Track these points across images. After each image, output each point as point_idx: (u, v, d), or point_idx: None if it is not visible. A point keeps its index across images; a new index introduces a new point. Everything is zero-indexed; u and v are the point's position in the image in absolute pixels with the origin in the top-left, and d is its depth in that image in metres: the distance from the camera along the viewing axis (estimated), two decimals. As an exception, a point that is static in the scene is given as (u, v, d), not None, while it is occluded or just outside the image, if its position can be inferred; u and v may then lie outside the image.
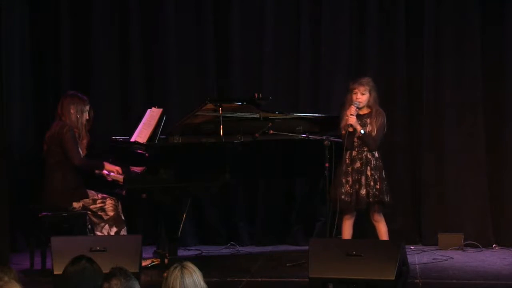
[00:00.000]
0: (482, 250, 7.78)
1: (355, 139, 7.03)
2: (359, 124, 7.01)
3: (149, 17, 8.32)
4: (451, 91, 8.03)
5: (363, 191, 6.97)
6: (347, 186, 7.01)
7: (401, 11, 8.10)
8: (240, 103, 7.24)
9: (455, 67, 8.04)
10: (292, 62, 8.31)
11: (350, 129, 6.96)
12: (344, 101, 7.16)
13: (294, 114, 7.47)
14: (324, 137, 7.03)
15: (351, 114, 6.97)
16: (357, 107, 7.00)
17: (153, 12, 8.31)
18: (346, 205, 7.01)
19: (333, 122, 7.40)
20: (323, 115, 7.63)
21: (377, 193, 6.98)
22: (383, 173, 7.07)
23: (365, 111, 7.11)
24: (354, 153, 7.04)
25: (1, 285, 3.53)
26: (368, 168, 7.00)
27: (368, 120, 7.06)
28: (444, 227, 7.98)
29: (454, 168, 8.03)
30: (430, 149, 8.06)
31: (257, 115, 7.29)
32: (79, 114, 7.05)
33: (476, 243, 7.83)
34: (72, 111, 7.03)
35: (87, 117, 7.12)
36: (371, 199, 6.99)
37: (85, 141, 7.10)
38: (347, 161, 7.02)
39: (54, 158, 7.00)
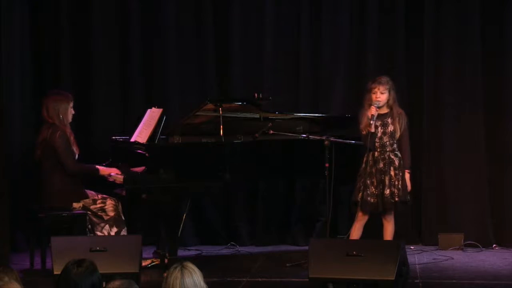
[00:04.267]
0: (482, 250, 7.78)
1: (377, 140, 7.02)
2: (381, 124, 7.01)
3: (149, 17, 8.31)
4: (451, 91, 8.03)
5: (387, 191, 6.97)
6: (372, 187, 7.01)
7: (401, 11, 8.10)
8: (240, 103, 7.23)
9: (455, 67, 8.03)
10: (292, 62, 8.30)
11: (371, 129, 6.93)
12: (363, 102, 7.12)
13: (294, 114, 7.46)
14: (324, 137, 7.01)
15: (371, 114, 6.96)
16: (377, 107, 6.98)
17: (153, 12, 8.30)
18: (372, 206, 7.02)
19: (333, 122, 7.40)
20: (323, 115, 7.63)
21: (401, 193, 6.99)
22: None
23: (384, 110, 7.08)
24: (376, 153, 7.03)
25: (2, 285, 3.53)
26: (392, 168, 7.00)
27: (390, 120, 7.05)
28: (444, 227, 7.98)
29: (454, 168, 8.02)
30: (430, 149, 8.06)
31: (257, 115, 7.28)
32: (64, 113, 7.02)
33: (476, 243, 7.83)
34: (58, 112, 7.01)
35: (73, 112, 7.10)
36: (396, 199, 7.00)
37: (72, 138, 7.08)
38: (370, 163, 7.03)
39: (50, 161, 6.98)
